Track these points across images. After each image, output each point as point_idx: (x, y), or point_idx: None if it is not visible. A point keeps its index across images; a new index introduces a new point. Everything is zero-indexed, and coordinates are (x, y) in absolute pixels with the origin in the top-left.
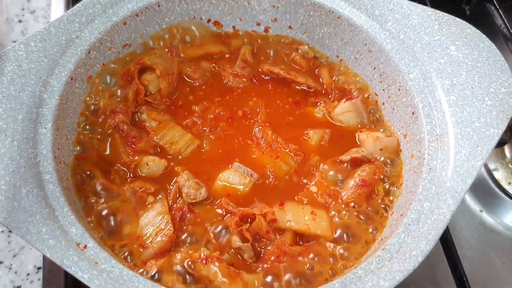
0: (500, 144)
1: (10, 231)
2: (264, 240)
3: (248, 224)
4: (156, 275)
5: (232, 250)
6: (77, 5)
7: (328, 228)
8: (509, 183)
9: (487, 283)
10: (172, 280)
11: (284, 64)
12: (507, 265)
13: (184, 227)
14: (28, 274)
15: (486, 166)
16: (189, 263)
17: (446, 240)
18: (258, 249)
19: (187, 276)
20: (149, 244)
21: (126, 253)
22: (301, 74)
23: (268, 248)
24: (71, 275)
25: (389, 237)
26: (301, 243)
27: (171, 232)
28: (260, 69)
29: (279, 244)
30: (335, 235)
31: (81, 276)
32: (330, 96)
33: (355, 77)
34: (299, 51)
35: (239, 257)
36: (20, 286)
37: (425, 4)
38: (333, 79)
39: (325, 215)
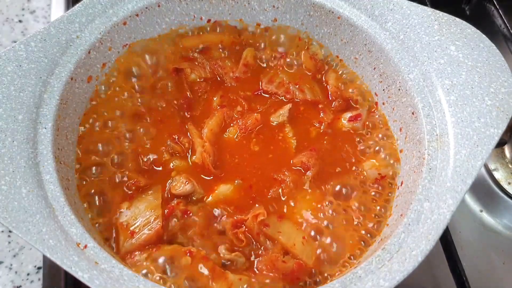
0: (500, 144)
1: (10, 231)
2: (257, 244)
3: (244, 227)
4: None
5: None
6: (77, 5)
7: (311, 257)
8: (509, 183)
9: (487, 283)
10: (153, 273)
11: (287, 69)
12: (507, 265)
13: (175, 225)
14: (28, 274)
15: (486, 166)
16: (174, 259)
17: (446, 240)
18: (253, 256)
19: (170, 273)
20: (136, 234)
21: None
22: (302, 83)
23: (261, 263)
24: (71, 275)
25: (389, 237)
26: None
27: (159, 227)
28: (260, 83)
29: (272, 258)
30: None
31: (81, 276)
32: (332, 104)
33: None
34: (309, 51)
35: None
36: (20, 286)
37: (425, 4)
38: (339, 86)
39: (314, 245)
